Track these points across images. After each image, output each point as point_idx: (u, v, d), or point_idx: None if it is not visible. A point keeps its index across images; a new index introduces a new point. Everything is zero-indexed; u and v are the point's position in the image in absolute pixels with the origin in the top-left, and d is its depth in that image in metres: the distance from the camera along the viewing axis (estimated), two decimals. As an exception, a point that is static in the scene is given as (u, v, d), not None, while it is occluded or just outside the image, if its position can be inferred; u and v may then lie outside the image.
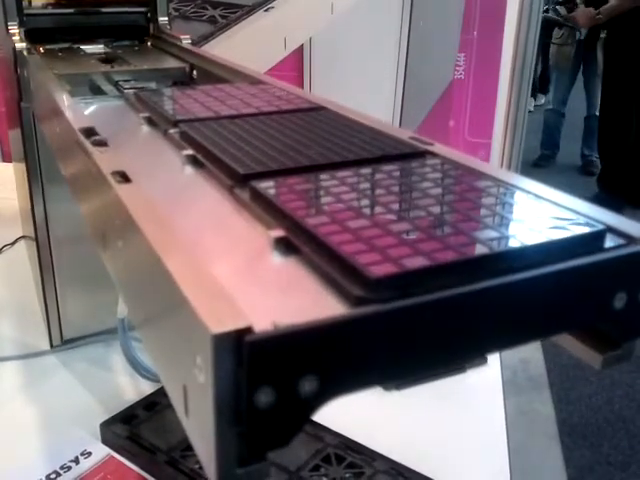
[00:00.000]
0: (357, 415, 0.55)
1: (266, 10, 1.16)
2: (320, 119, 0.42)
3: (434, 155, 0.36)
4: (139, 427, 0.60)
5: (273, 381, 0.20)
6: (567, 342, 0.28)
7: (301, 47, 2.04)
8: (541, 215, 0.28)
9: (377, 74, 2.04)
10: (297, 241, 0.26)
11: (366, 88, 2.00)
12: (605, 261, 0.25)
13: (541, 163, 3.70)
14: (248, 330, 0.20)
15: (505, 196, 0.30)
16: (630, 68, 3.04)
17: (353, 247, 0.24)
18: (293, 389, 0.20)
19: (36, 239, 0.71)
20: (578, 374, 1.95)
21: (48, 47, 0.75)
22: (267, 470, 0.21)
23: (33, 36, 0.73)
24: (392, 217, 0.27)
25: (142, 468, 0.57)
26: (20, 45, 0.67)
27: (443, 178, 0.32)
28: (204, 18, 1.16)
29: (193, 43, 0.75)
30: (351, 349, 0.21)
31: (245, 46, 1.12)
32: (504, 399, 0.69)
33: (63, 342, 0.75)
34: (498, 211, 0.28)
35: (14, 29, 0.70)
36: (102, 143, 0.37)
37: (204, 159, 0.37)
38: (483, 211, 0.28)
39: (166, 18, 0.80)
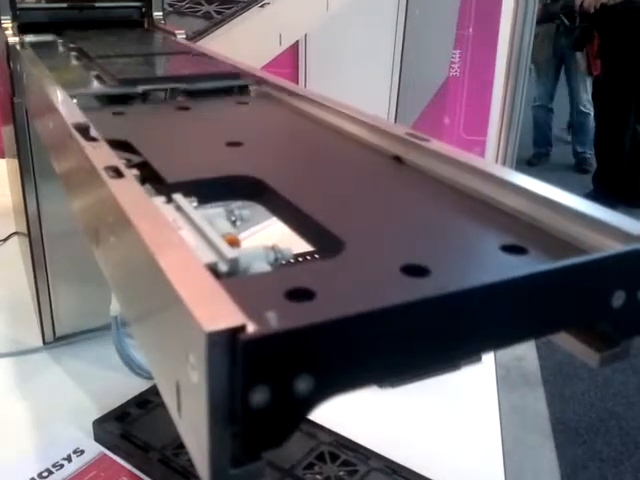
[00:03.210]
0: (351, 413, 0.55)
1: (261, 6, 1.16)
2: None
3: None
4: (132, 425, 0.59)
5: (268, 380, 0.20)
6: (564, 340, 0.27)
7: (296, 43, 2.03)
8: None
9: (372, 71, 2.04)
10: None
11: (361, 85, 2.00)
12: (603, 259, 0.25)
13: (535, 161, 3.70)
14: (242, 328, 0.19)
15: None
16: (626, 69, 3.05)
17: None
18: (288, 388, 0.20)
19: (29, 235, 0.71)
20: (571, 372, 1.96)
21: (32, 40, 0.73)
22: (262, 470, 0.21)
23: (26, 30, 0.72)
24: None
25: (135, 466, 0.57)
26: (13, 39, 0.66)
27: None
28: (199, 14, 1.16)
29: (188, 39, 0.74)
30: (346, 348, 0.21)
31: (240, 42, 1.12)
32: (498, 396, 0.69)
33: (56, 339, 0.75)
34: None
35: (7, 23, 0.69)
36: (95, 138, 0.36)
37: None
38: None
39: (161, 13, 0.80)
